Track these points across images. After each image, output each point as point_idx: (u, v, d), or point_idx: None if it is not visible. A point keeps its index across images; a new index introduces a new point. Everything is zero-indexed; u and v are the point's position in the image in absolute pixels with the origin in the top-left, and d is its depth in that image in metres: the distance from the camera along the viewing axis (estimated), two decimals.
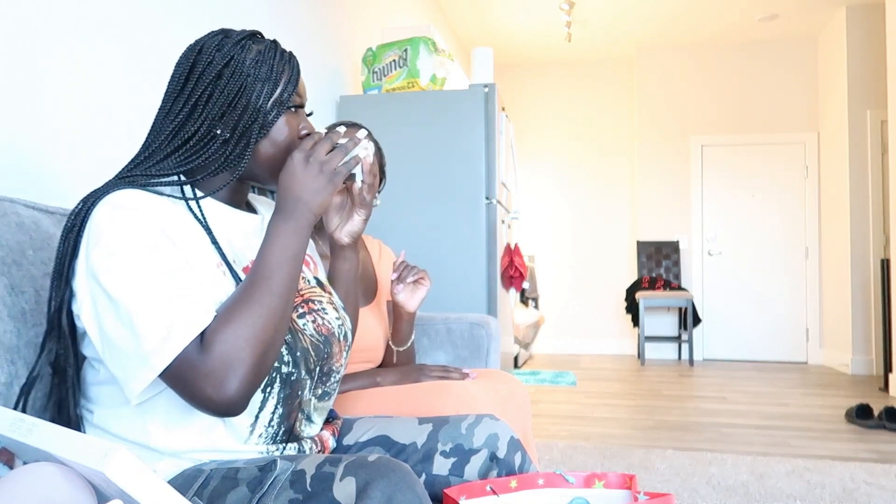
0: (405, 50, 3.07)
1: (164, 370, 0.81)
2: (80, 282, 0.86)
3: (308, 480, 0.82)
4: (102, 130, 1.68)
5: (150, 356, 0.80)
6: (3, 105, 1.39)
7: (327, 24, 3.16)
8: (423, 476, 1.07)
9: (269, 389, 0.93)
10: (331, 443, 1.06)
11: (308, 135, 1.01)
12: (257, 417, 0.93)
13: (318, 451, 1.02)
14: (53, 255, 1.09)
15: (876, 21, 5.41)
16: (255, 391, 0.85)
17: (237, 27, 2.37)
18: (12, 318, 0.97)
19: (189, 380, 0.81)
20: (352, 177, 1.08)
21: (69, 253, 0.88)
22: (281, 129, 0.98)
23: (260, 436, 0.93)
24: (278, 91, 0.97)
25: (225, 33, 0.99)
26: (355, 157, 0.99)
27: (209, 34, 0.99)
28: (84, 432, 0.92)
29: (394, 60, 3.10)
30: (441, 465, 1.07)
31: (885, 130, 5.35)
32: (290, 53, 1.01)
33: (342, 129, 1.03)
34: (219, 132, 0.95)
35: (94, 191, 0.91)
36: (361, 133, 1.02)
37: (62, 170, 1.55)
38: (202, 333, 0.83)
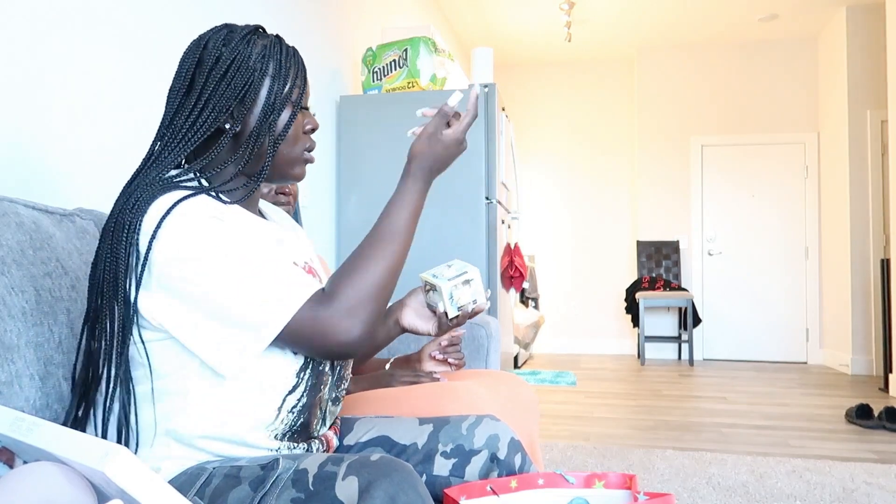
0: (405, 50, 3.07)
1: (286, 327, 0.87)
2: (168, 287, 0.85)
3: (310, 479, 0.82)
4: (103, 130, 1.68)
5: (274, 312, 0.86)
6: (4, 105, 1.39)
7: (327, 24, 3.16)
8: (424, 476, 1.07)
9: (301, 374, 0.95)
10: (335, 442, 1.07)
11: (313, 130, 1.04)
12: (284, 400, 0.94)
13: (324, 451, 1.02)
14: (53, 255, 1.09)
15: (876, 21, 5.41)
16: (372, 335, 0.93)
17: None
18: (12, 317, 0.97)
19: (315, 326, 0.87)
20: (448, 316, 1.17)
21: (129, 271, 0.86)
22: (289, 126, 0.99)
23: (283, 421, 0.94)
24: (287, 88, 0.97)
25: (229, 28, 0.98)
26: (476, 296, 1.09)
27: (212, 29, 0.99)
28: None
29: (394, 60, 3.10)
30: (441, 466, 1.06)
31: (885, 130, 5.36)
32: (295, 49, 1.02)
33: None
34: (228, 127, 0.95)
35: (129, 204, 0.88)
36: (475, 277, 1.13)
37: (63, 169, 1.55)
38: (325, 286, 0.91)
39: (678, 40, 6.29)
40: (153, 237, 0.85)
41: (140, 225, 0.86)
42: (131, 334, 0.89)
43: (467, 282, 1.11)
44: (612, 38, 6.27)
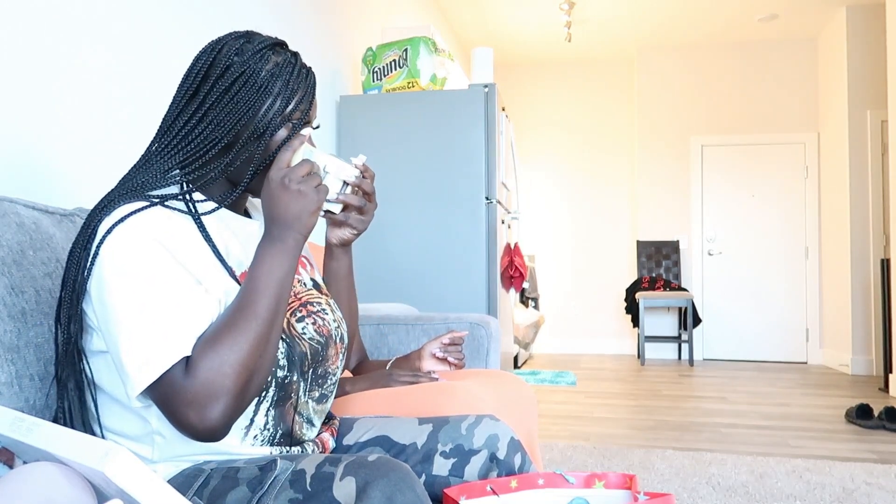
0: (405, 50, 3.07)
1: (150, 388, 0.82)
2: (93, 301, 0.86)
3: (308, 480, 0.82)
4: (103, 130, 1.68)
5: (137, 372, 0.81)
6: (4, 105, 1.39)
7: (327, 24, 3.17)
8: (423, 476, 1.07)
9: (264, 394, 0.93)
10: (331, 444, 1.07)
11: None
12: (252, 420, 0.93)
13: (320, 452, 1.02)
14: (53, 255, 1.09)
15: (876, 21, 5.41)
16: (238, 418, 0.84)
17: (239, 27, 2.36)
18: (12, 318, 0.97)
19: (172, 403, 0.81)
20: (329, 211, 1.06)
21: (80, 273, 0.87)
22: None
23: (255, 437, 0.94)
24: (289, 109, 0.95)
25: (248, 38, 0.96)
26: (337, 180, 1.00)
27: (232, 35, 0.97)
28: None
29: (394, 60, 3.10)
30: (441, 466, 1.06)
31: (885, 130, 5.36)
32: (309, 70, 0.99)
33: (317, 154, 0.99)
34: (223, 139, 0.94)
35: (100, 206, 0.89)
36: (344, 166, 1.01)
37: (63, 169, 1.55)
38: (188, 357, 0.83)
39: (678, 40, 6.29)
40: (100, 244, 0.85)
41: (97, 230, 0.87)
42: (81, 332, 0.90)
43: (326, 174, 1.00)
44: (612, 38, 6.27)
